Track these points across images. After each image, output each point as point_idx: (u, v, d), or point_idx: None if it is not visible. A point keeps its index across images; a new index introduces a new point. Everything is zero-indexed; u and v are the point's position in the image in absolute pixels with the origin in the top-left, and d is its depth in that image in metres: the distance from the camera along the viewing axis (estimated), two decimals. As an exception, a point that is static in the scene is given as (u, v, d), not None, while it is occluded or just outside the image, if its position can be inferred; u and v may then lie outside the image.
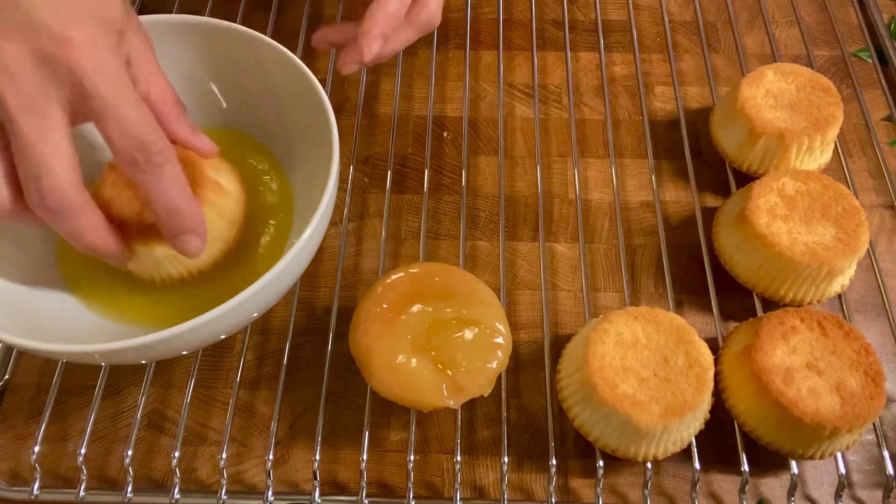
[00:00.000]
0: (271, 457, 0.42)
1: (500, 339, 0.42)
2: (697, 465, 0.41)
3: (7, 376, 0.47)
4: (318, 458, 0.42)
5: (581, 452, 0.44)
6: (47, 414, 0.43)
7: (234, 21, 0.47)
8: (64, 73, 0.33)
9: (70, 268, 0.44)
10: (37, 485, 0.42)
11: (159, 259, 0.40)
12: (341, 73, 0.45)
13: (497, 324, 0.42)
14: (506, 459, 0.42)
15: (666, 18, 0.62)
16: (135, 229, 0.39)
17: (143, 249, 0.39)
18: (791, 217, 0.46)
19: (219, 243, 0.42)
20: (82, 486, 0.42)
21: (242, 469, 0.44)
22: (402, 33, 0.46)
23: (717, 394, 0.43)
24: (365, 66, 0.45)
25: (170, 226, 0.37)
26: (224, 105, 0.49)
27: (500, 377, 0.44)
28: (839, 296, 0.47)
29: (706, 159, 0.55)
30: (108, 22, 0.35)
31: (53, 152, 0.33)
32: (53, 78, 0.33)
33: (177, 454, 0.42)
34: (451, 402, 0.40)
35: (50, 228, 0.35)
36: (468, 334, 0.41)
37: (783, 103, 0.51)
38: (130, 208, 0.39)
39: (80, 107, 0.34)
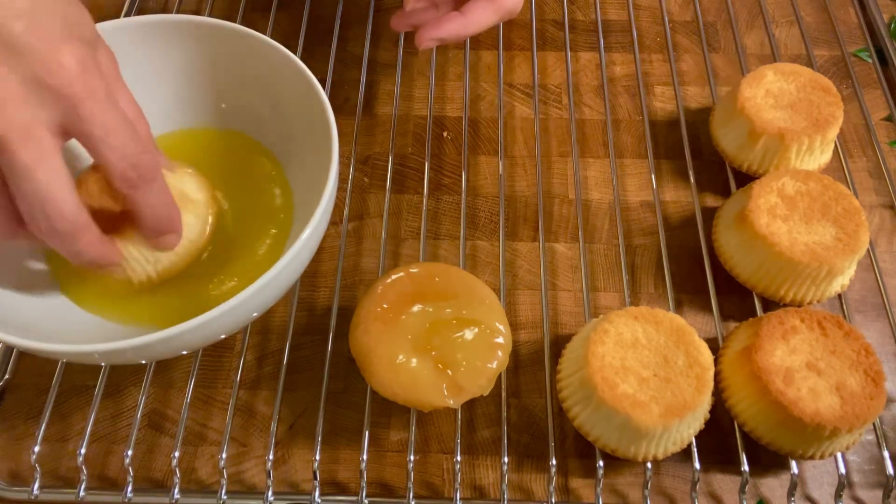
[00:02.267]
0: (271, 457, 0.42)
1: (500, 339, 0.42)
2: (697, 465, 0.41)
3: (7, 376, 0.47)
4: (318, 458, 0.42)
5: (581, 452, 0.44)
6: (47, 414, 0.43)
7: (234, 21, 0.47)
8: (55, 98, 0.32)
9: (64, 270, 0.44)
10: (37, 485, 0.42)
11: (126, 259, 0.40)
12: (419, 48, 0.48)
13: (497, 324, 0.42)
14: (506, 459, 0.42)
15: (666, 18, 0.62)
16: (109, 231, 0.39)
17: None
18: (791, 217, 0.46)
19: (187, 246, 0.42)
20: (82, 486, 0.42)
21: (242, 469, 0.44)
22: (484, 15, 0.47)
23: (717, 394, 0.43)
24: (442, 44, 0.49)
25: (153, 230, 0.38)
26: (223, 105, 0.49)
27: (500, 377, 0.44)
28: (839, 296, 0.47)
29: (706, 159, 0.55)
30: (87, 42, 0.34)
31: (54, 177, 0.32)
32: (44, 103, 0.32)
33: (177, 454, 0.42)
34: (451, 402, 0.40)
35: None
36: (468, 334, 0.41)
37: (783, 103, 0.51)
38: (103, 212, 0.39)
39: (70, 128, 0.33)
